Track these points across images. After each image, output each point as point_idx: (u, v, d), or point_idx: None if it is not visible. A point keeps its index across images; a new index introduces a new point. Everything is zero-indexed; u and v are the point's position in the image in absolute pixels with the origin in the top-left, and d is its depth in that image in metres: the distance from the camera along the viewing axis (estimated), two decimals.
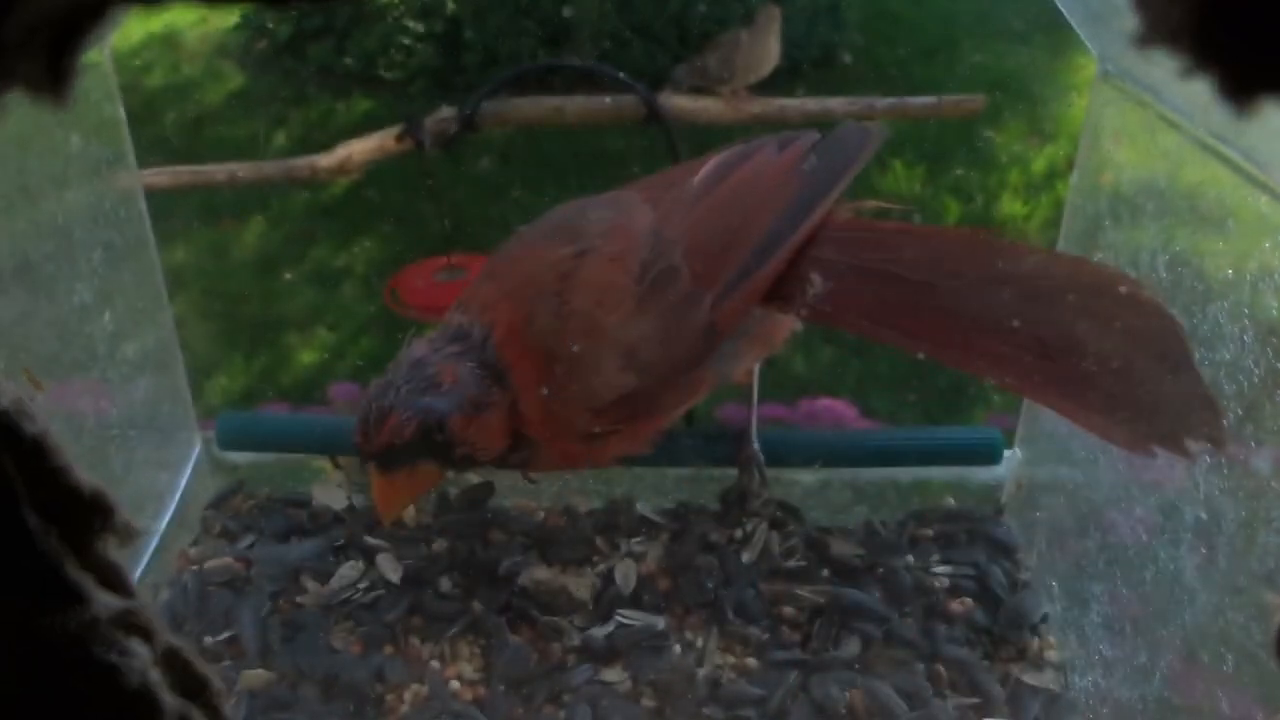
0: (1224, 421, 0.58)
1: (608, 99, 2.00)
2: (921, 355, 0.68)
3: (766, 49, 2.08)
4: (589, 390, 0.70)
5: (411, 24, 3.46)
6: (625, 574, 0.82)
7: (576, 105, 2.03)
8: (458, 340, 0.71)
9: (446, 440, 0.69)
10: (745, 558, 0.83)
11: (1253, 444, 0.59)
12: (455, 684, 0.77)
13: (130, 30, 3.81)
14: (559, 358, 0.70)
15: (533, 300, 0.71)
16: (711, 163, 0.77)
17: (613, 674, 0.77)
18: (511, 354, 0.70)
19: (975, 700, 0.75)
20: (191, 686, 0.19)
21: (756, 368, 0.82)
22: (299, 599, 0.81)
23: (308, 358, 2.39)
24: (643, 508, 0.88)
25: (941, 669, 0.77)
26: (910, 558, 0.84)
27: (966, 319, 0.66)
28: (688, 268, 0.71)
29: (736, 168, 0.75)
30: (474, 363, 0.70)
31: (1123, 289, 0.64)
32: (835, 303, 0.70)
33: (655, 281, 0.70)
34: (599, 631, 0.79)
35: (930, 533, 0.87)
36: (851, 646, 0.78)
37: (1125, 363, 0.61)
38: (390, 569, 0.82)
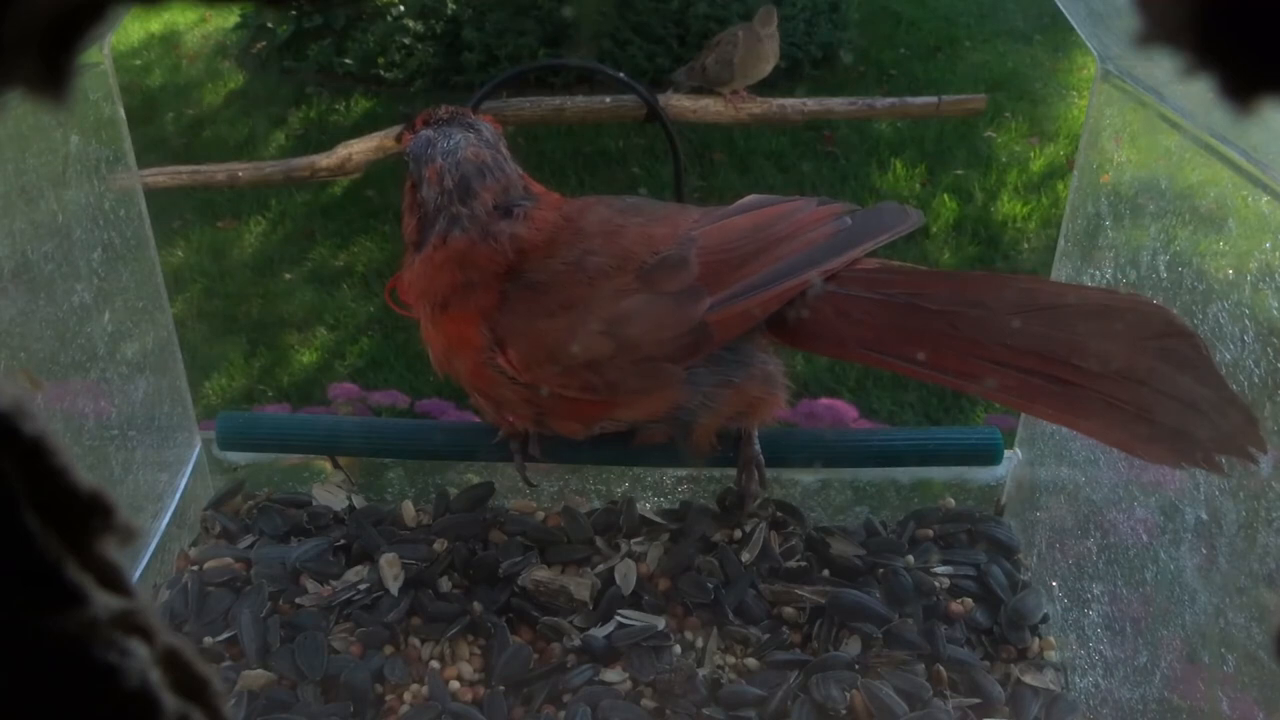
0: (1262, 431, 0.57)
1: (608, 99, 2.01)
2: (947, 386, 0.68)
3: (765, 49, 2.08)
4: (562, 345, 0.70)
5: (411, 24, 3.46)
6: (625, 574, 0.82)
7: (576, 105, 2.04)
8: (465, 193, 0.73)
9: (412, 178, 0.76)
10: (745, 558, 0.83)
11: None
12: (455, 684, 0.77)
13: (130, 30, 3.82)
14: (553, 298, 0.71)
15: (573, 232, 0.74)
16: (746, 199, 0.79)
17: (613, 674, 0.77)
18: (485, 251, 0.72)
19: (975, 701, 0.75)
20: (191, 686, 0.19)
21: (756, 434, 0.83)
22: (299, 600, 0.81)
23: (307, 358, 2.39)
24: (643, 508, 0.88)
25: (942, 669, 0.77)
26: (910, 558, 0.84)
27: (993, 346, 0.66)
28: (698, 265, 0.72)
29: (774, 204, 0.77)
30: (470, 218, 0.73)
31: (1128, 305, 0.65)
32: (858, 334, 0.71)
33: (659, 265, 0.71)
34: (599, 632, 0.79)
35: (930, 533, 0.87)
36: (852, 647, 0.78)
37: (1150, 380, 0.61)
38: (390, 570, 0.82)
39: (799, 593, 0.80)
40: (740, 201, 0.78)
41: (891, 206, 0.79)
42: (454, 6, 3.48)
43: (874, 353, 0.70)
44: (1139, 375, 0.61)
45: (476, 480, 0.91)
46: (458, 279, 0.73)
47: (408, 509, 0.89)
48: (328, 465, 0.93)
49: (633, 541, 0.85)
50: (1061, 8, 0.76)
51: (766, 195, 0.79)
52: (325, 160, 1.93)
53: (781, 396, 0.76)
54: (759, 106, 2.10)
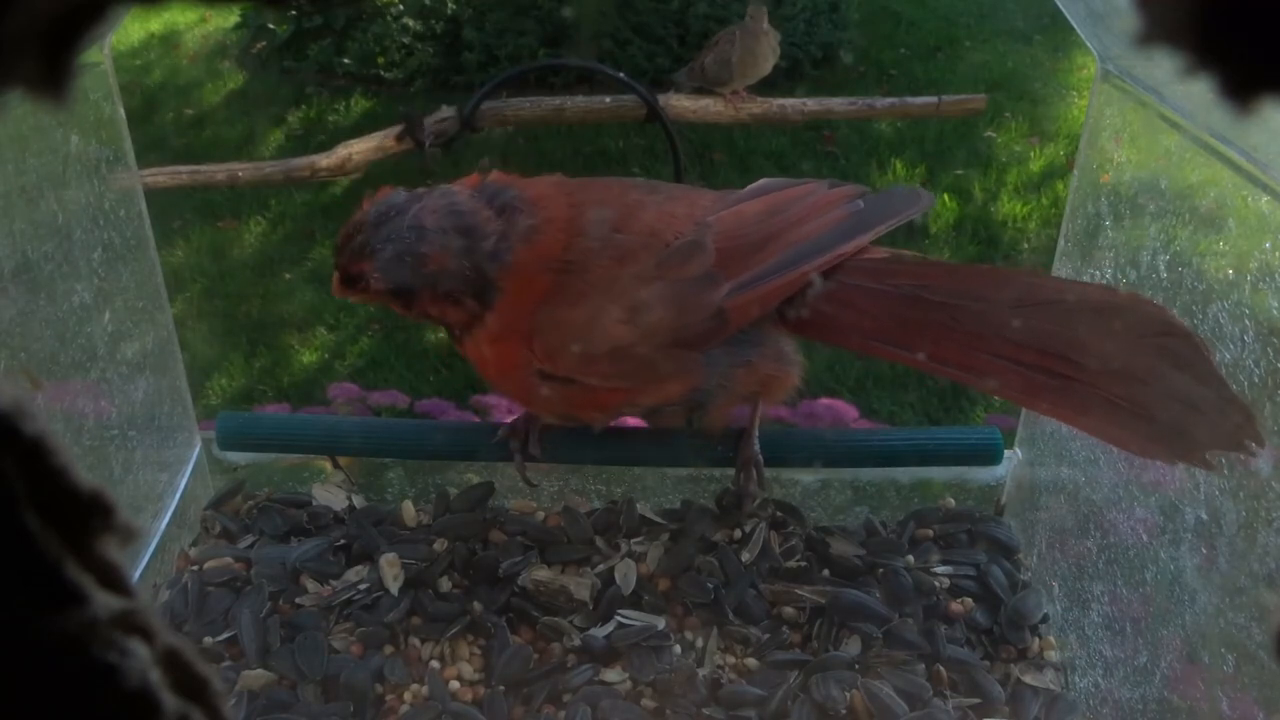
0: (1258, 424, 0.57)
1: (608, 99, 2.00)
2: (948, 378, 0.68)
3: (762, 47, 2.07)
4: (585, 335, 0.70)
5: (411, 24, 3.46)
6: (625, 574, 0.82)
7: (576, 105, 2.03)
8: (468, 235, 0.70)
9: (407, 306, 0.72)
10: (745, 558, 0.83)
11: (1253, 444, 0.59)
12: (455, 684, 0.77)
13: (130, 30, 3.82)
14: (576, 285, 0.70)
15: (593, 211, 0.72)
16: (760, 181, 0.79)
17: (613, 674, 0.77)
18: (517, 281, 0.70)
19: (975, 700, 0.75)
20: (191, 686, 0.19)
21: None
22: (299, 600, 0.81)
23: (307, 358, 2.39)
24: (643, 508, 0.88)
25: (942, 669, 0.77)
26: (910, 558, 0.84)
27: (994, 340, 0.67)
28: (714, 251, 0.72)
29: (785, 188, 0.77)
30: (473, 263, 0.70)
31: (1128, 303, 0.65)
32: (862, 324, 0.71)
33: (677, 252, 0.71)
34: (599, 632, 0.79)
35: (930, 533, 0.87)
36: (851, 647, 0.78)
37: (1149, 378, 0.61)
38: (390, 570, 0.82)
39: (799, 593, 0.80)
40: (753, 185, 0.78)
41: (903, 190, 0.79)
42: (454, 6, 3.48)
43: (876, 343, 0.71)
44: (1138, 373, 0.61)
45: (476, 480, 0.91)
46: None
47: (408, 509, 0.89)
48: (328, 465, 0.93)
49: (633, 541, 0.85)
50: (1061, 8, 0.76)
51: (778, 179, 0.79)
52: (325, 160, 1.93)
53: (794, 374, 0.76)
54: (759, 106, 2.09)
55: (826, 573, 0.83)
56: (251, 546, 0.86)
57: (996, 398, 2.06)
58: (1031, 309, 0.66)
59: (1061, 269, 0.85)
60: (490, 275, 0.70)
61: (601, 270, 0.71)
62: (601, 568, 0.83)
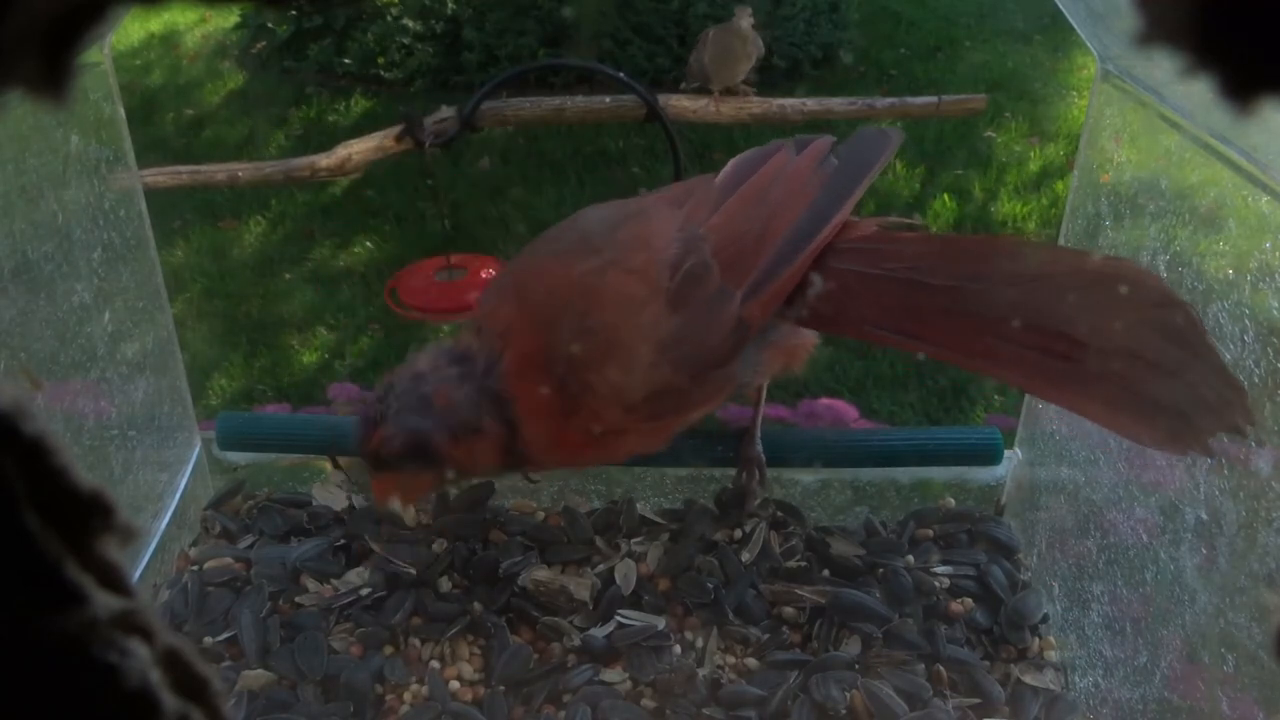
0: (1249, 403, 0.57)
1: (608, 99, 2.00)
2: (951, 364, 0.68)
3: (736, 47, 2.04)
4: (622, 388, 0.69)
5: (411, 24, 3.46)
6: (625, 574, 0.82)
7: (576, 105, 2.03)
8: (461, 362, 0.69)
9: (434, 457, 0.69)
10: (745, 558, 0.83)
11: (1253, 444, 0.59)
12: (455, 684, 0.77)
13: (130, 30, 3.82)
14: (582, 369, 0.68)
15: (552, 324, 0.70)
16: (730, 165, 0.78)
17: (613, 674, 0.77)
18: (519, 384, 0.69)
19: (975, 701, 0.75)
20: (191, 687, 0.19)
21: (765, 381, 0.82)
22: (299, 599, 0.81)
23: (307, 358, 2.39)
24: (643, 508, 0.88)
25: (942, 669, 0.77)
26: (910, 558, 0.84)
27: (993, 322, 0.66)
28: (717, 264, 0.71)
29: (757, 168, 0.76)
30: (473, 387, 0.68)
31: (1129, 275, 0.64)
32: (863, 313, 0.71)
33: (686, 278, 0.70)
34: (599, 632, 0.79)
35: (930, 533, 0.87)
36: (852, 647, 0.78)
37: (1148, 353, 0.61)
38: (390, 570, 0.82)
39: (799, 593, 0.80)
40: (724, 170, 0.77)
41: (871, 133, 0.78)
42: (454, 6, 3.48)
43: (877, 330, 0.70)
44: (1138, 349, 0.61)
45: (477, 480, 0.91)
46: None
47: (408, 509, 0.89)
48: (328, 465, 0.93)
49: (633, 541, 0.85)
50: (1061, 8, 0.76)
51: (748, 153, 0.78)
52: (325, 160, 1.93)
53: (812, 338, 0.76)
54: (759, 106, 2.09)
55: (826, 573, 0.83)
56: (251, 546, 0.86)
57: (996, 396, 2.06)
58: (1030, 284, 0.66)
59: None
60: (496, 389, 0.69)
61: (612, 311, 0.69)
62: (601, 568, 0.83)
